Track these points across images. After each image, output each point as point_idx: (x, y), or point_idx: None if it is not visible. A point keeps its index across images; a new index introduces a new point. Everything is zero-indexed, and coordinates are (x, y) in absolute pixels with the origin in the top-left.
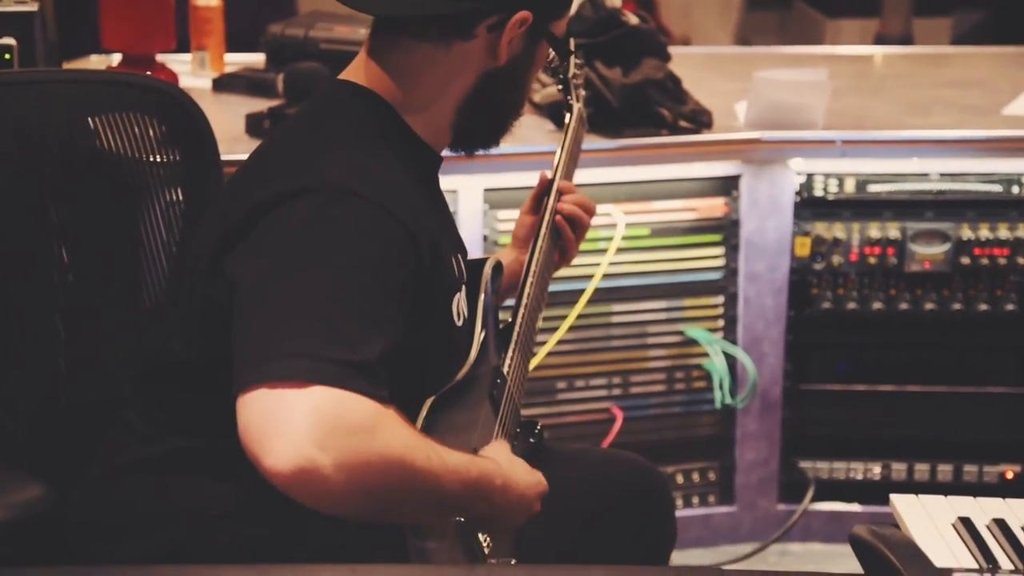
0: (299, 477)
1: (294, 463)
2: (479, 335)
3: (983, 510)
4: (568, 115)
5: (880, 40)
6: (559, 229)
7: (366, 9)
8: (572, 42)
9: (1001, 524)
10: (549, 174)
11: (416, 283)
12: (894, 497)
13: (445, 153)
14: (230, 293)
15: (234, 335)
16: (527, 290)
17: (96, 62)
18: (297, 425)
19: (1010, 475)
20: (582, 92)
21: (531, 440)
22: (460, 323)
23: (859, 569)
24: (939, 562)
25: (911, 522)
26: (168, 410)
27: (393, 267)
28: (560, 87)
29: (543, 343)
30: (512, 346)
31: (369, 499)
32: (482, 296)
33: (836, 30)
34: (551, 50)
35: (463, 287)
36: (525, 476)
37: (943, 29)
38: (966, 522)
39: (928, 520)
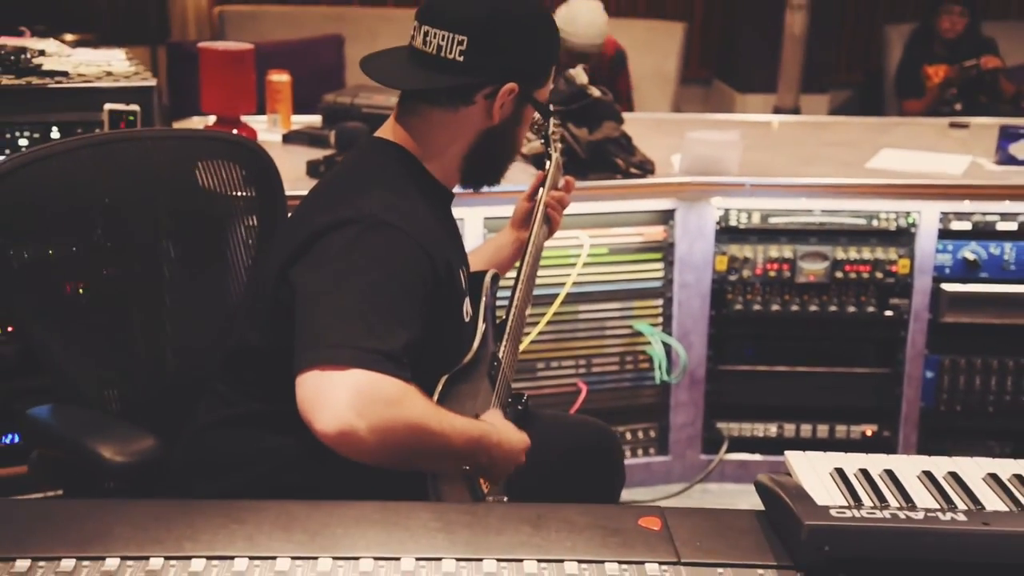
0: (341, 438)
1: (337, 427)
2: (480, 329)
3: (852, 462)
4: (548, 162)
5: (776, 110)
6: (548, 212)
7: (392, 85)
8: (550, 111)
9: (864, 472)
10: (543, 173)
11: (434, 292)
12: (788, 453)
13: (457, 189)
14: (293, 297)
15: (296, 328)
16: (517, 293)
17: (197, 122)
18: (340, 398)
19: (869, 432)
20: (559, 145)
21: (519, 408)
22: (468, 320)
23: (761, 505)
24: (819, 501)
25: (800, 472)
26: (246, 382)
27: (416, 280)
28: (542, 142)
29: (528, 334)
30: (505, 337)
31: (395, 454)
32: (484, 299)
33: (744, 102)
34: (536, 112)
35: (468, 293)
36: (514, 435)
37: (823, 103)
38: (840, 471)
39: (812, 470)
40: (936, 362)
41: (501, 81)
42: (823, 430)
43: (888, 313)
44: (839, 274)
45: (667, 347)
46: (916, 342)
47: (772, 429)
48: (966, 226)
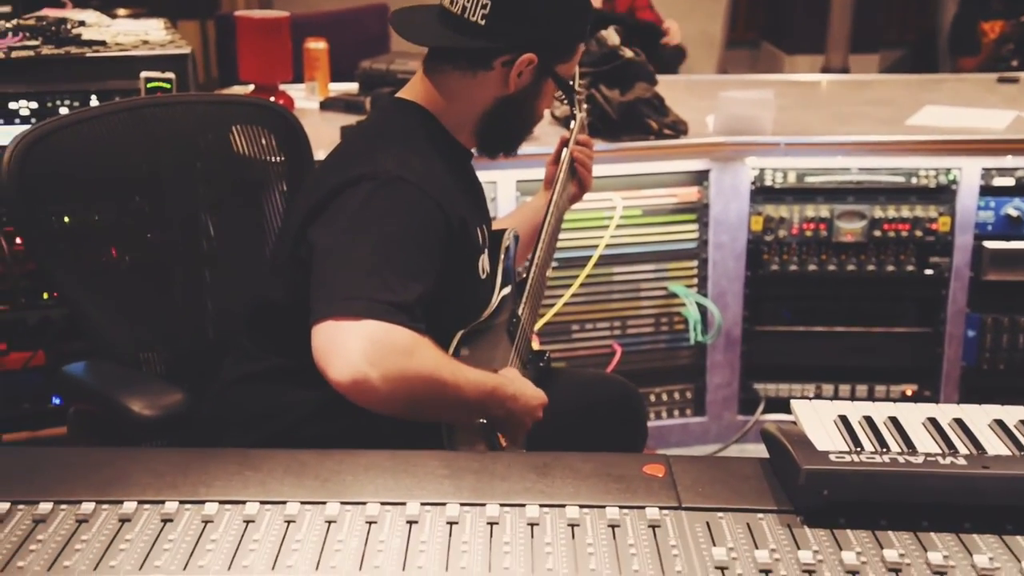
0: (354, 386)
1: (351, 376)
2: (499, 290)
3: (856, 410)
4: (572, 122)
5: (825, 70)
6: (575, 167)
7: (411, 38)
8: (577, 78)
9: (868, 420)
10: (567, 134)
11: (447, 246)
12: (794, 402)
13: (475, 152)
14: (311, 254)
15: (312, 282)
16: (538, 252)
17: (238, 90)
18: (353, 348)
19: (909, 392)
20: (584, 106)
21: (540, 365)
22: (484, 277)
23: None
24: (821, 447)
25: (804, 419)
26: (270, 338)
27: (429, 234)
28: (567, 103)
29: (561, 296)
30: (525, 295)
31: (408, 403)
32: (502, 257)
33: (793, 63)
34: (558, 88)
35: (486, 250)
36: (531, 390)
37: (873, 63)
38: (843, 419)
39: (816, 418)
40: (978, 320)
41: (520, 50)
42: (862, 390)
43: (928, 272)
44: (877, 233)
45: (702, 308)
46: (957, 300)
47: (810, 390)
48: (1009, 182)
